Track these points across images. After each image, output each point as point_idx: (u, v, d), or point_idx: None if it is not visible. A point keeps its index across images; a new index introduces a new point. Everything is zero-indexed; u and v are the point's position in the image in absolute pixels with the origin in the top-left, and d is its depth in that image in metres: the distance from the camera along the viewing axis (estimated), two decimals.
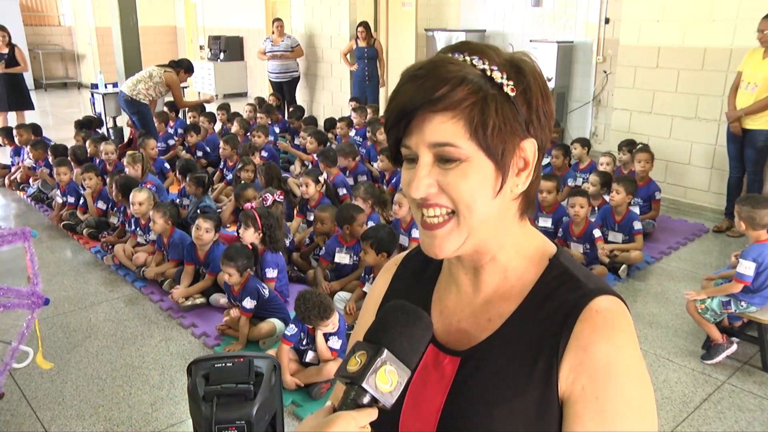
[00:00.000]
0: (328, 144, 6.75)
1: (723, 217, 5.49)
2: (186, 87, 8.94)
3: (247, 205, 4.37)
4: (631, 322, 0.82)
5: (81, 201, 5.52)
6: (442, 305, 0.93)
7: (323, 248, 4.34)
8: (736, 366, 3.38)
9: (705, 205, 5.86)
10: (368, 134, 6.78)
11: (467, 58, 0.79)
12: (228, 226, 5.20)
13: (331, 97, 10.05)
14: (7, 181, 6.87)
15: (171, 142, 7.49)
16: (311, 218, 4.75)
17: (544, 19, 7.67)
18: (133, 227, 4.81)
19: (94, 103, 9.43)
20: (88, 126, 7.76)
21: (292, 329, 3.14)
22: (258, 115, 8.07)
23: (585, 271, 0.88)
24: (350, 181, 5.68)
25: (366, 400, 0.75)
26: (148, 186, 4.91)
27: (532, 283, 0.86)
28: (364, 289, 3.86)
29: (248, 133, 7.22)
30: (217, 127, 8.13)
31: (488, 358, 0.84)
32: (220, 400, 2.03)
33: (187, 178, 5.30)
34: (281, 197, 4.62)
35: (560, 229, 4.64)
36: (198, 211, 4.87)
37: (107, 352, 3.55)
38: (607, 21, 7.08)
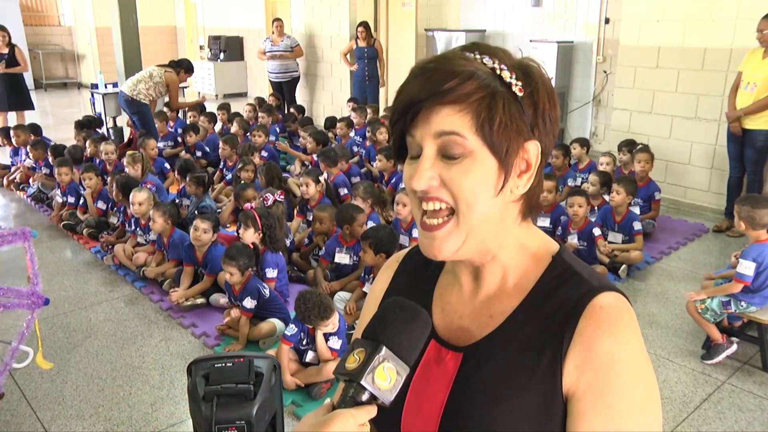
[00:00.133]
0: (329, 144, 6.75)
1: (723, 217, 5.49)
2: (186, 87, 8.94)
3: (247, 205, 4.37)
4: (635, 318, 0.82)
5: (81, 201, 5.52)
6: (443, 302, 0.93)
7: (323, 248, 4.34)
8: (736, 366, 3.38)
9: (705, 205, 5.86)
10: (368, 134, 6.78)
11: (477, 57, 0.79)
12: (228, 226, 5.20)
13: (331, 97, 10.05)
14: (6, 182, 6.86)
15: (178, 140, 7.50)
16: (311, 218, 4.75)
17: (544, 19, 7.67)
18: (133, 227, 4.81)
19: (94, 103, 9.43)
20: (88, 126, 7.76)
21: (292, 329, 3.14)
22: (259, 114, 8.07)
23: (588, 268, 0.88)
24: None
25: (365, 397, 0.75)
26: (148, 186, 4.91)
27: (535, 280, 0.86)
28: (364, 289, 3.86)
29: (248, 133, 7.22)
30: (218, 127, 8.14)
31: (490, 355, 0.84)
32: (220, 400, 2.03)
33: (187, 178, 5.31)
34: (282, 197, 4.62)
35: (559, 228, 4.65)
36: (196, 211, 4.87)
37: (107, 352, 3.55)
38: (607, 21, 7.08)
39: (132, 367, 3.39)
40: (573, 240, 4.47)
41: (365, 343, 0.77)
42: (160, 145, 7.17)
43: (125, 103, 7.05)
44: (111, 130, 8.53)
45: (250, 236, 3.95)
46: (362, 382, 0.74)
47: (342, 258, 4.19)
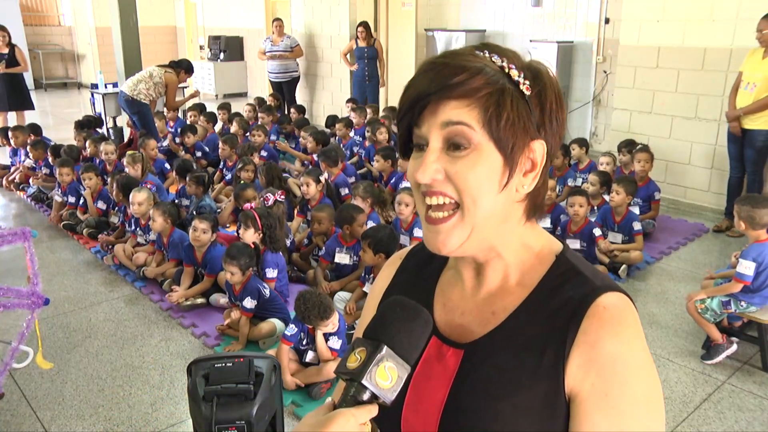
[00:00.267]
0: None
1: (723, 217, 5.49)
2: (186, 87, 8.94)
3: (247, 205, 4.37)
4: (638, 318, 0.82)
5: (81, 201, 5.52)
6: (445, 298, 0.93)
7: (323, 248, 4.34)
8: (736, 366, 3.38)
9: (705, 205, 5.86)
10: (367, 134, 6.78)
11: (487, 55, 0.80)
12: (228, 226, 5.20)
13: (331, 97, 10.05)
14: (5, 182, 6.86)
15: (176, 140, 7.49)
16: (311, 218, 4.75)
17: (544, 19, 7.67)
18: (133, 227, 4.81)
19: (94, 103, 9.43)
20: (88, 126, 7.76)
21: (292, 329, 3.14)
22: (260, 115, 8.06)
23: (591, 268, 0.88)
24: None
25: (366, 396, 0.75)
26: (148, 186, 4.91)
27: (538, 278, 0.86)
28: (364, 289, 3.86)
29: (247, 133, 7.22)
30: (218, 127, 8.13)
31: (492, 352, 0.84)
32: (220, 400, 2.03)
33: (187, 179, 5.31)
34: (282, 197, 4.62)
35: (558, 227, 4.65)
36: (194, 212, 4.87)
37: (107, 352, 3.55)
38: (607, 21, 7.09)
39: (132, 367, 3.39)
40: (574, 245, 4.45)
41: (366, 343, 0.77)
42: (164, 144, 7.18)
43: (125, 103, 7.04)
44: (111, 130, 8.53)
45: (251, 236, 3.95)
46: (363, 382, 0.74)
47: (342, 258, 4.19)
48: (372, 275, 3.81)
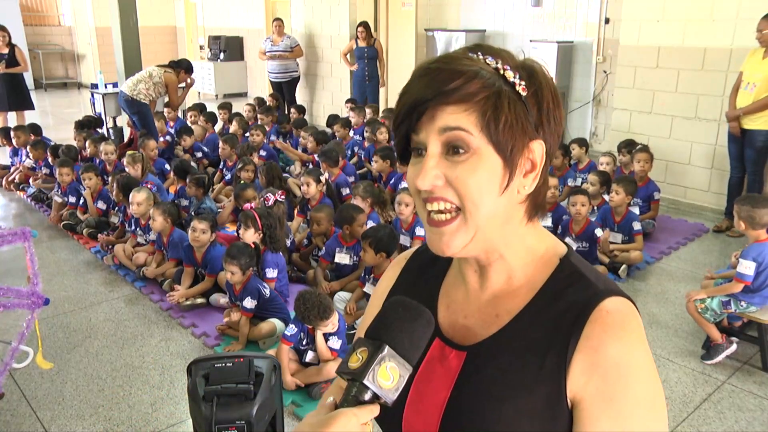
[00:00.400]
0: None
1: (723, 217, 5.49)
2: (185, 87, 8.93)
3: (247, 205, 4.37)
4: (641, 323, 0.82)
5: (81, 201, 5.52)
6: (449, 300, 0.93)
7: (323, 248, 4.34)
8: (736, 366, 3.38)
9: (705, 205, 5.86)
10: (366, 134, 6.77)
11: (481, 57, 0.80)
12: (227, 226, 5.20)
13: (331, 97, 10.05)
14: (5, 182, 6.86)
15: (174, 140, 7.49)
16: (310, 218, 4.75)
17: (544, 19, 7.67)
18: (133, 227, 4.81)
19: (94, 103, 9.43)
20: (88, 126, 7.76)
21: (292, 329, 3.14)
22: (259, 115, 8.06)
23: (595, 271, 0.88)
24: None
25: (367, 396, 0.75)
26: (148, 186, 4.91)
27: (542, 281, 0.86)
28: (365, 289, 3.86)
29: (246, 133, 7.21)
30: (218, 126, 8.13)
31: (494, 354, 0.84)
32: (220, 400, 2.04)
33: (187, 180, 5.30)
34: (283, 197, 4.62)
35: (560, 227, 4.64)
36: (193, 213, 4.87)
37: (107, 352, 3.55)
38: (607, 21, 7.09)
39: (132, 367, 3.39)
40: (574, 245, 4.45)
41: (368, 343, 0.76)
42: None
43: (125, 103, 7.05)
44: (111, 130, 8.53)
45: (251, 236, 3.95)
46: (365, 382, 0.74)
47: (342, 258, 4.19)
48: (372, 275, 3.81)
